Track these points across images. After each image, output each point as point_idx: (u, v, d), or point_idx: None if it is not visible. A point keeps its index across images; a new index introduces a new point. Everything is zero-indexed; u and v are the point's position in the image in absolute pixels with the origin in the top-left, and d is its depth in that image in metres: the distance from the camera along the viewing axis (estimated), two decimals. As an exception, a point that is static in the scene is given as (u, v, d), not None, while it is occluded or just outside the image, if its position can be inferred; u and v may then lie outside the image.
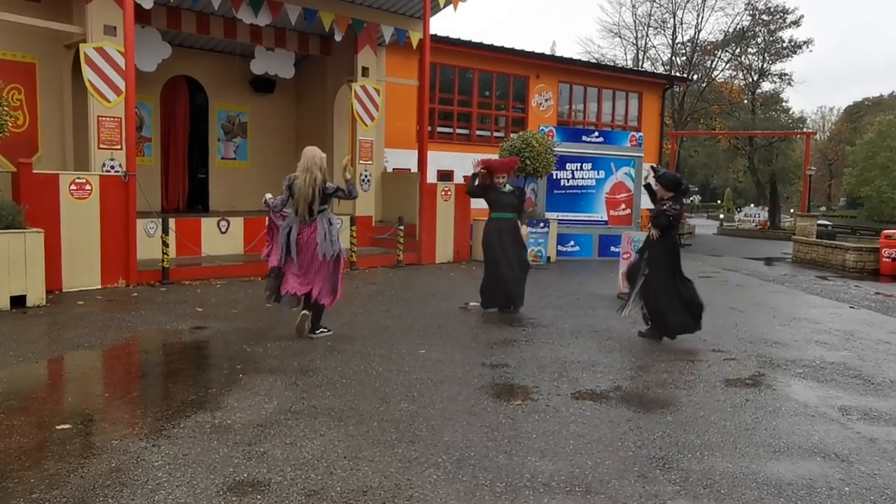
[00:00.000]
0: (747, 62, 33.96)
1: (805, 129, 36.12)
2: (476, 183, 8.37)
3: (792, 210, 36.21)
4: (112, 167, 9.36)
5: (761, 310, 9.10)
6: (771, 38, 33.15)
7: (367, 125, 13.09)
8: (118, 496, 3.18)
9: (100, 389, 4.97)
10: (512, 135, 14.71)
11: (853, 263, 14.46)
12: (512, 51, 18.81)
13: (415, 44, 12.99)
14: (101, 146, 9.38)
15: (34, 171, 8.47)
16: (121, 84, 9.34)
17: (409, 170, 15.11)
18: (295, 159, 7.19)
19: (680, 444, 4.08)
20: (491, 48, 18.29)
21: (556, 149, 13.97)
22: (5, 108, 7.47)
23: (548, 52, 27.60)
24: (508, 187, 8.37)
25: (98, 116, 9.31)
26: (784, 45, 33.11)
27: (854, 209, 48.79)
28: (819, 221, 23.30)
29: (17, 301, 7.49)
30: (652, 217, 6.96)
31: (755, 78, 34.17)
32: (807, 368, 6.02)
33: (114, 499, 3.16)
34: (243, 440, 3.90)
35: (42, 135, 10.47)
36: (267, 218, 6.96)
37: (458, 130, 18.65)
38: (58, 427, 4.03)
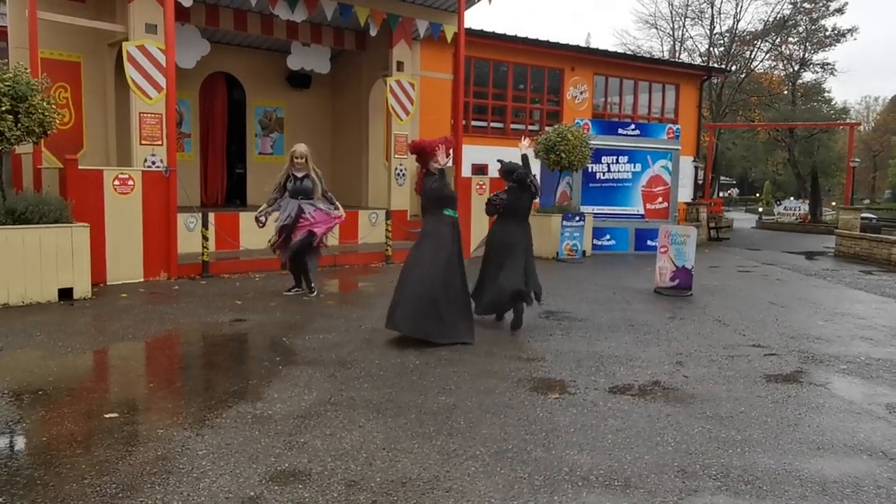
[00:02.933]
0: (788, 52, 33.19)
1: (848, 120, 35.25)
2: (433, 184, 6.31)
3: (834, 203, 35.37)
4: (153, 162, 9.55)
5: (803, 304, 8.93)
6: (813, 27, 32.32)
7: (401, 119, 13.13)
8: (164, 483, 3.27)
9: (144, 380, 5.09)
10: (547, 128, 14.63)
11: (899, 258, 14.08)
12: (546, 43, 18.67)
13: (449, 38, 12.99)
14: (143, 142, 9.57)
15: (80, 167, 8.70)
16: (162, 81, 9.52)
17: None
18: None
19: (720, 440, 4.03)
20: (525, 41, 18.17)
21: (592, 142, 13.85)
22: (53, 106, 7.66)
23: (583, 44, 27.34)
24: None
25: (140, 113, 9.51)
26: (827, 33, 32.27)
27: (899, 202, 47.50)
28: (863, 214, 22.68)
29: (65, 293, 7.70)
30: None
31: (796, 68, 33.39)
32: (851, 364, 5.90)
33: (160, 486, 3.24)
34: (284, 430, 3.97)
35: (87, 131, 10.73)
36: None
37: (493, 124, 18.59)
38: (106, 416, 4.15)
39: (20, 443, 3.74)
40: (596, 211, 14.55)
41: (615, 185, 14.89)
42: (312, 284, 8.38)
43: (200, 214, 9.99)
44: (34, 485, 3.21)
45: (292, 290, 8.43)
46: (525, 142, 7.09)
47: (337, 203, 8.33)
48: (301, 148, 8.15)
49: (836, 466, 3.72)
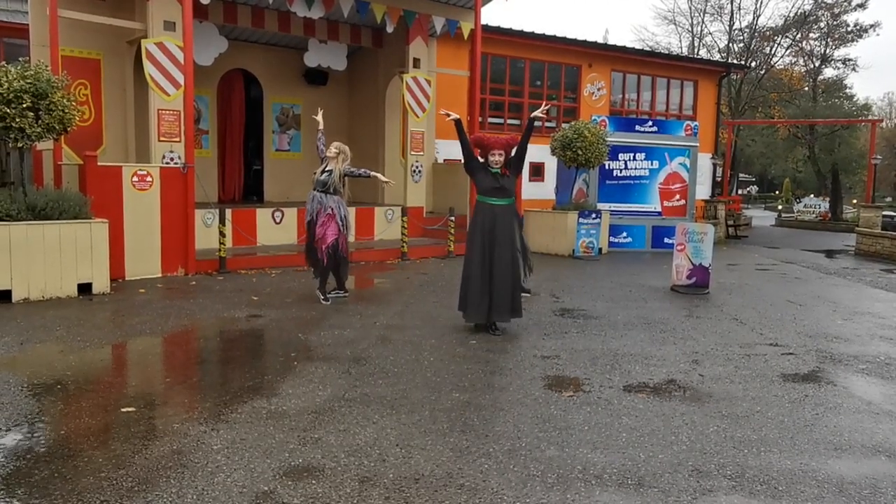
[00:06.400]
0: (808, 48, 32.80)
1: (870, 117, 34.76)
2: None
3: (855, 201, 34.86)
4: (171, 159, 9.63)
5: (821, 303, 8.83)
6: (834, 23, 31.91)
7: (418, 116, 13.13)
8: (180, 477, 3.30)
9: (161, 374, 5.14)
10: (563, 125, 14.57)
11: (921, 256, 13.88)
12: (564, 40, 18.60)
13: (466, 34, 12.96)
14: (161, 139, 9.65)
15: (99, 164, 8.79)
16: (180, 78, 9.59)
17: (460, 160, 15.10)
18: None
19: (735, 440, 4.00)
20: (542, 37, 18.12)
21: (609, 139, 13.78)
22: (73, 103, 7.75)
23: (601, 40, 27.19)
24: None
25: (158, 110, 9.59)
26: (848, 29, 31.85)
27: (922, 200, 46.74)
28: (884, 212, 22.32)
29: (84, 288, 7.80)
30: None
31: (817, 64, 32.99)
32: (870, 364, 5.83)
33: (175, 480, 3.27)
34: (298, 426, 3.99)
35: (106, 128, 10.83)
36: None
37: (510, 121, 18.55)
38: (122, 410, 4.20)
39: (39, 435, 3.80)
40: (612, 208, 14.48)
41: (632, 182, 14.80)
42: (331, 291, 8.03)
43: (218, 210, 10.06)
44: (52, 477, 3.26)
45: (332, 291, 8.00)
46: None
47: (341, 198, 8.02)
48: (332, 150, 8.17)
49: (854, 467, 3.68)
